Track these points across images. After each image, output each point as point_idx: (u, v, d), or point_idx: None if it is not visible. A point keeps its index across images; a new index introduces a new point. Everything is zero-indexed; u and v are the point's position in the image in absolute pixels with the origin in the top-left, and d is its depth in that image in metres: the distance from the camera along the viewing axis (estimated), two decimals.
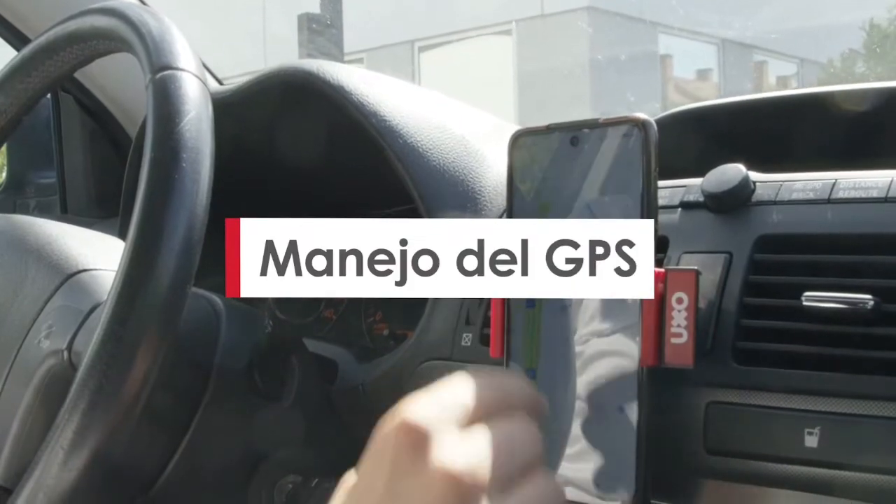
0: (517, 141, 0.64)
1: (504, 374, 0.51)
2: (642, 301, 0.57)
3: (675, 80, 10.46)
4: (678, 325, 0.56)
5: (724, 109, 0.83)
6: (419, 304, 0.79)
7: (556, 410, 0.59)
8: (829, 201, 0.61)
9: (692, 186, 0.67)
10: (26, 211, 1.39)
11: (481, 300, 0.73)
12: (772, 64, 10.98)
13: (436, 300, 0.76)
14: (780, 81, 10.87)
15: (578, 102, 8.36)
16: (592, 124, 0.60)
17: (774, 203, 0.63)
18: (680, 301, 0.56)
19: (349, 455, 0.83)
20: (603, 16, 9.80)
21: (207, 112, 0.65)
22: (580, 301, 0.59)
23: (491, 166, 0.82)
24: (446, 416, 0.44)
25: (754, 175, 0.65)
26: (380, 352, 0.86)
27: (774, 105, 0.82)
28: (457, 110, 0.90)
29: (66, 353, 0.69)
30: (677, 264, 0.63)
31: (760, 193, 0.64)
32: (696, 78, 10.94)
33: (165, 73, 0.64)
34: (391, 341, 0.92)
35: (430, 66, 10.41)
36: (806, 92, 0.81)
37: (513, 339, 0.62)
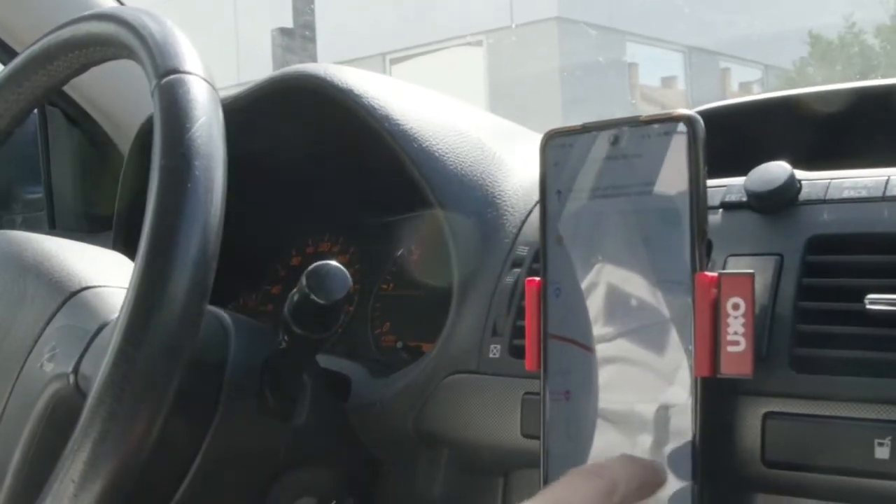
0: (550, 141, 0.61)
1: (611, 466, 0.50)
2: (695, 308, 0.54)
3: (640, 88, 10.52)
4: (735, 333, 0.53)
5: (748, 108, 0.81)
6: (430, 315, 0.76)
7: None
8: (883, 198, 0.59)
9: (733, 186, 0.64)
10: (12, 227, 1.35)
11: (509, 309, 0.69)
12: (736, 70, 11.08)
13: (459, 309, 0.73)
14: (742, 87, 10.97)
15: (550, 112, 8.37)
16: (632, 122, 0.57)
17: (824, 202, 0.60)
18: (736, 307, 0.53)
19: (366, 475, 0.80)
20: (572, 26, 9.84)
21: (218, 116, 0.61)
22: (627, 310, 0.56)
23: (509, 170, 0.79)
24: None
25: (799, 173, 0.62)
26: (394, 365, 0.82)
27: (800, 102, 0.79)
28: (469, 113, 0.87)
29: (72, 377, 0.66)
30: (724, 268, 0.61)
31: (807, 192, 0.61)
32: (661, 85, 11.00)
33: (172, 77, 0.61)
34: (404, 354, 0.89)
35: (401, 78, 10.41)
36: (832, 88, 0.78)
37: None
